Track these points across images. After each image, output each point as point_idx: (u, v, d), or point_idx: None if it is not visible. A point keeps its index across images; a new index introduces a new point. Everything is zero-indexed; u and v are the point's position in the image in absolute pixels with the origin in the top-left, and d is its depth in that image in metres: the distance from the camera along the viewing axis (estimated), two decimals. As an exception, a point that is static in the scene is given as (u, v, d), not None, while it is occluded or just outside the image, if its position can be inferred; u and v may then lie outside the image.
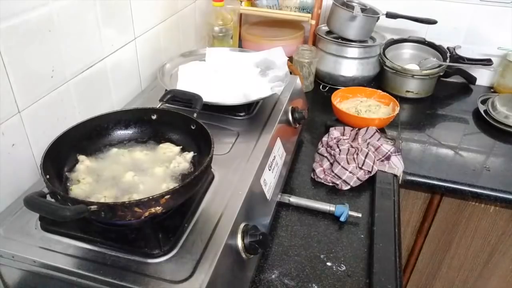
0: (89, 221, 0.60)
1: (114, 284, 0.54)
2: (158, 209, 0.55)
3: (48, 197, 0.54)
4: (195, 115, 0.72)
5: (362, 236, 0.82)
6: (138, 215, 0.54)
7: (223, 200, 0.67)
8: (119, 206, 0.52)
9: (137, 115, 0.74)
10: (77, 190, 0.62)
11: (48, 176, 0.56)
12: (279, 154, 0.88)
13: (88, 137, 0.70)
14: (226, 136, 0.84)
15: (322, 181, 0.96)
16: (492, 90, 1.46)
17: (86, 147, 0.69)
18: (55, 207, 0.50)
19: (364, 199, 0.93)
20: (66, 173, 0.65)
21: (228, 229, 0.62)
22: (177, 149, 0.71)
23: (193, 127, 0.71)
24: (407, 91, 1.37)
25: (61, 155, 0.65)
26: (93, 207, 0.51)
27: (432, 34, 1.44)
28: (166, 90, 0.84)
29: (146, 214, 0.54)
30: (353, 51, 1.33)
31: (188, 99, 0.79)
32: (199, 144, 0.70)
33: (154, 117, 0.74)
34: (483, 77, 1.47)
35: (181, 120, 0.72)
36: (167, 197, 0.55)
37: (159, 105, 0.82)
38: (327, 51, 1.35)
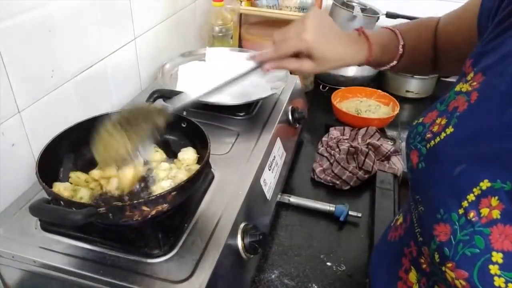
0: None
1: (114, 284, 0.54)
2: (165, 206, 0.55)
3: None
4: (184, 113, 0.72)
5: (362, 236, 0.82)
6: (146, 213, 0.54)
7: (223, 200, 0.67)
8: (128, 207, 0.53)
9: None
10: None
11: (45, 183, 0.56)
12: (279, 154, 0.88)
13: (75, 146, 0.68)
14: (226, 136, 0.84)
15: (322, 181, 0.96)
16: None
17: (75, 156, 0.68)
18: (65, 212, 0.50)
19: (364, 199, 0.93)
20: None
21: (228, 229, 0.62)
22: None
23: (184, 125, 0.71)
24: (407, 91, 1.37)
25: (52, 164, 0.64)
26: (102, 209, 0.51)
27: (432, 34, 1.44)
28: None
29: (153, 212, 0.55)
30: (353, 51, 1.33)
31: None
32: (193, 141, 0.70)
33: None
34: (483, 77, 1.47)
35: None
36: (174, 193, 0.55)
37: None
38: (327, 51, 1.35)
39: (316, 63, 0.62)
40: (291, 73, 1.03)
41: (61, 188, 0.61)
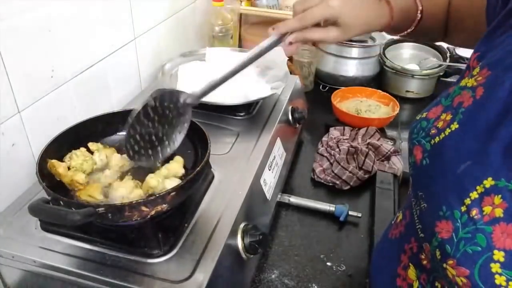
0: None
1: (114, 284, 0.54)
2: (164, 206, 0.55)
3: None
4: None
5: (362, 236, 0.82)
6: (145, 214, 0.54)
7: (223, 200, 0.67)
8: (127, 207, 0.53)
9: (123, 117, 0.71)
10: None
11: (45, 183, 0.55)
12: (279, 154, 0.88)
13: (75, 146, 0.67)
14: (226, 136, 0.84)
15: (322, 181, 0.96)
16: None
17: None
18: (64, 212, 0.50)
19: (364, 199, 0.93)
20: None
21: (228, 229, 0.62)
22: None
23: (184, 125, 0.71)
24: (407, 91, 1.37)
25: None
26: (101, 209, 0.51)
27: (432, 34, 1.44)
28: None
29: (153, 212, 0.55)
30: (353, 51, 1.33)
31: None
32: (193, 141, 0.70)
33: None
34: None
35: None
36: (173, 194, 0.55)
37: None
38: (327, 51, 1.35)
39: (342, 30, 0.59)
40: (291, 73, 1.03)
41: (61, 167, 0.60)
